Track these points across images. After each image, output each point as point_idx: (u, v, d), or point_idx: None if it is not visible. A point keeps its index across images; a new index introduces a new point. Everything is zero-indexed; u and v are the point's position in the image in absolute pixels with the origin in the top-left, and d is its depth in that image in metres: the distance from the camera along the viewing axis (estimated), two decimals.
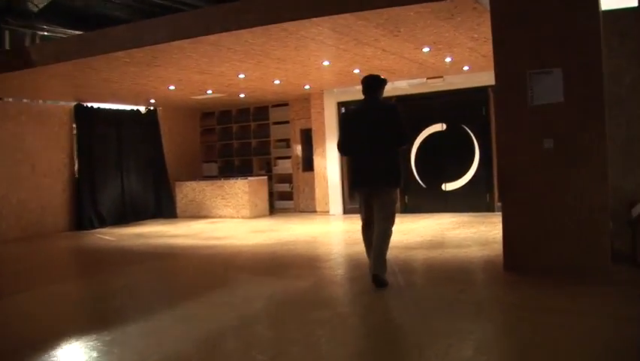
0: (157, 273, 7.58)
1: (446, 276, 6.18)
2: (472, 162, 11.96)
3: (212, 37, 7.36)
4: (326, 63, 9.54)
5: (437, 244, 7.85)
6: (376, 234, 5.62)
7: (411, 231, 9.56)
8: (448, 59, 9.70)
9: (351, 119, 6.18)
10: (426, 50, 8.74)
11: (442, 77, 11.69)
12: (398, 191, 6.09)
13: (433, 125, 12.28)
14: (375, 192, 5.67)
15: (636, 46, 6.31)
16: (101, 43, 8.05)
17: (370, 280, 5.59)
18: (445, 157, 12.21)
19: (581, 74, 5.70)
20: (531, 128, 5.88)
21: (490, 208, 11.75)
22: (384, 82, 6.01)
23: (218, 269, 7.51)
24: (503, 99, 6.03)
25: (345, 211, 13.22)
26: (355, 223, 11.50)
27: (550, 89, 5.79)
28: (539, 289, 5.31)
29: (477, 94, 11.76)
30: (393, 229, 5.79)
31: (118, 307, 5.74)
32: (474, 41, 8.30)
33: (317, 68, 10.03)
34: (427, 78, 11.84)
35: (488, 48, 8.78)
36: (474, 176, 11.96)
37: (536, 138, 5.85)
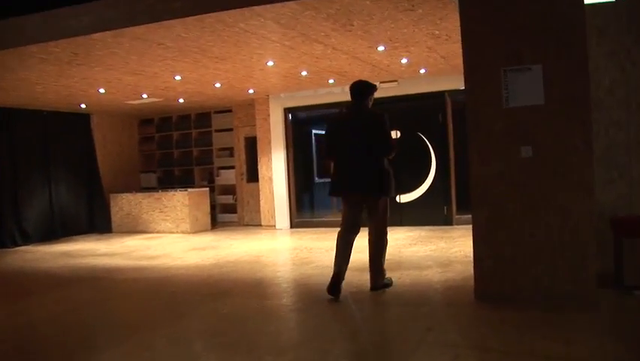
0: (55, 309, 5.90)
1: (408, 309, 5.25)
2: (428, 173, 11.20)
3: (137, 30, 6.36)
4: (270, 63, 8.61)
5: (394, 265, 6.97)
6: (370, 245, 5.75)
7: (365, 248, 8.67)
8: (404, 60, 8.89)
9: (336, 125, 5.93)
10: (381, 48, 7.90)
11: (396, 81, 10.90)
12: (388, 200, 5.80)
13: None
14: (361, 200, 5.64)
15: (616, 45, 5.58)
16: (9, 36, 6.94)
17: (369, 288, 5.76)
18: (399, 167, 11.34)
19: (563, 72, 4.92)
20: (506, 135, 5.06)
21: (447, 222, 11.00)
22: (373, 88, 5.88)
23: (133, 307, 6.14)
24: (474, 101, 5.20)
25: (293, 225, 12.29)
26: (303, 239, 10.81)
27: (529, 89, 4.99)
28: (522, 326, 4.43)
29: (434, 100, 11.03)
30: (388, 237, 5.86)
31: None
32: (434, 39, 7.49)
33: (261, 70, 9.09)
34: (380, 82, 10.99)
35: (449, 48, 8.06)
36: (430, 187, 11.20)
37: (513, 146, 5.03)
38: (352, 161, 5.58)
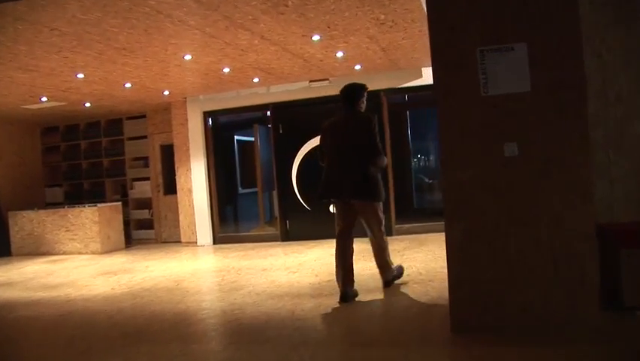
0: None
1: (370, 352, 4.22)
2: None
3: (20, 6, 5.10)
4: (188, 57, 7.44)
5: None
6: (372, 245, 5.83)
7: (300, 267, 7.64)
8: (339, 54, 7.92)
9: (328, 130, 5.79)
10: (316, 38, 6.90)
11: (327, 79, 9.92)
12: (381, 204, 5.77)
13: (318, 137, 10.39)
14: (351, 205, 5.61)
15: (590, 29, 4.75)
16: None
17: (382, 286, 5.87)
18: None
19: (553, 52, 4.04)
20: (486, 130, 4.13)
21: (387, 232, 10.03)
22: (363, 89, 5.84)
23: None
24: (444, 90, 4.23)
25: (216, 241, 11.08)
26: (229, 257, 9.38)
27: (512, 73, 4.08)
28: None
29: (368, 100, 10.06)
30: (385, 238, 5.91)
31: None
32: (378, 26, 6.56)
33: (177, 65, 7.89)
34: (310, 81, 10.03)
35: (392, 38, 7.14)
36: None
37: (494, 143, 4.11)
38: (341, 166, 5.50)
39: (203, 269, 8.42)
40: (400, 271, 6.09)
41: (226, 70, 8.42)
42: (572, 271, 4.01)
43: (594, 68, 4.82)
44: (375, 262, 5.91)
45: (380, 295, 5.71)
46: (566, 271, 4.01)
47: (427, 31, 4.34)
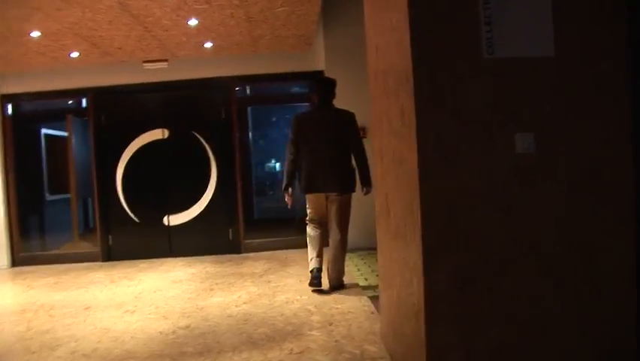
0: None
1: None
2: (206, 185, 8.48)
3: None
4: None
5: (212, 346, 4.17)
6: (333, 245, 5.60)
7: (138, 302, 5.67)
8: (192, 21, 6.11)
9: (305, 123, 5.69)
10: None
11: (166, 60, 8.01)
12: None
13: (150, 132, 8.47)
14: (328, 196, 5.61)
15: None
16: None
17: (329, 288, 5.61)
18: (167, 178, 8.46)
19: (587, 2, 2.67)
20: (489, 110, 2.64)
21: (234, 249, 8.40)
22: (334, 84, 5.71)
23: None
24: (427, 51, 2.66)
25: (17, 262, 8.57)
26: (36, 288, 6.71)
27: (528, 28, 2.66)
28: None
29: (215, 88, 8.35)
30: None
31: None
32: None
33: None
34: (145, 62, 8.04)
35: (266, 3, 5.50)
36: (210, 204, 8.47)
37: (501, 132, 2.64)
38: (325, 159, 5.52)
39: None
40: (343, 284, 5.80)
41: (35, 34, 6.23)
42: (608, 321, 2.66)
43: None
44: (327, 264, 5.66)
45: (287, 347, 4.01)
46: (598, 322, 2.65)
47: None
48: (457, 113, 2.63)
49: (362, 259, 7.11)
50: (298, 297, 5.39)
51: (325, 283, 5.61)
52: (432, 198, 2.61)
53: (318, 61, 8.09)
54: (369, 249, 7.58)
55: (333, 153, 5.49)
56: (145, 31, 6.33)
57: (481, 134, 2.63)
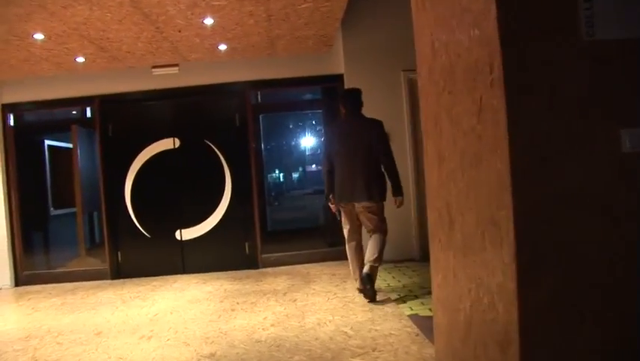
0: None
1: None
2: (220, 196, 8.05)
3: None
4: None
5: None
6: (374, 242, 5.55)
7: (154, 325, 5.21)
8: (208, 20, 5.69)
9: (334, 134, 5.77)
10: None
11: (176, 65, 7.60)
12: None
13: (160, 142, 8.03)
14: (357, 206, 5.59)
15: None
16: None
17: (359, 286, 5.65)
18: (179, 189, 8.02)
19: None
20: (587, 104, 2.20)
21: (252, 264, 7.95)
22: (360, 93, 5.74)
23: None
24: (515, 32, 2.21)
25: (20, 282, 8.13)
26: (41, 310, 6.22)
27: (637, 5, 2.22)
28: None
29: (229, 94, 7.93)
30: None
31: None
32: None
33: None
34: (154, 67, 7.63)
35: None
36: (225, 216, 8.03)
37: (604, 126, 2.20)
38: (353, 169, 5.56)
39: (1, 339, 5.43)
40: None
41: (38, 36, 5.81)
42: None
43: None
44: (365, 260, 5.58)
45: None
46: None
47: None
48: (552, 107, 2.19)
49: (389, 272, 6.66)
50: (330, 317, 4.94)
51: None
52: (528, 206, 2.17)
53: (336, 64, 7.67)
54: (394, 261, 7.17)
55: (360, 163, 5.50)
56: (156, 31, 5.90)
57: (581, 131, 2.20)
